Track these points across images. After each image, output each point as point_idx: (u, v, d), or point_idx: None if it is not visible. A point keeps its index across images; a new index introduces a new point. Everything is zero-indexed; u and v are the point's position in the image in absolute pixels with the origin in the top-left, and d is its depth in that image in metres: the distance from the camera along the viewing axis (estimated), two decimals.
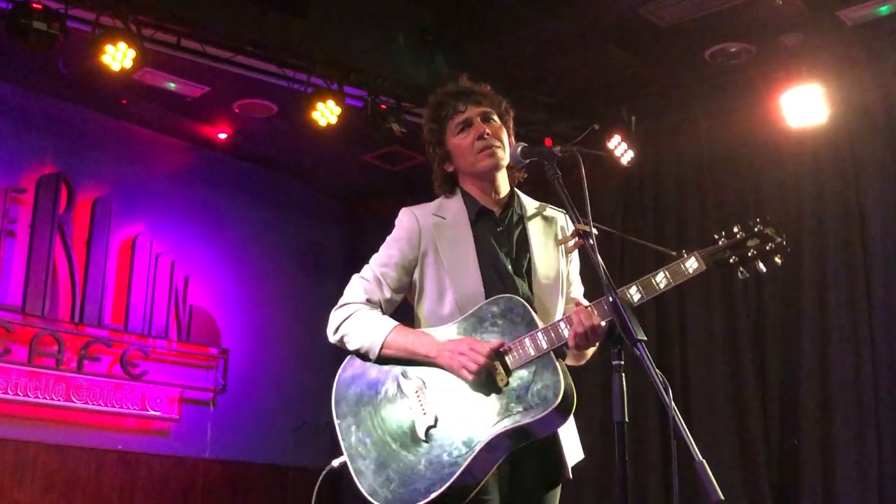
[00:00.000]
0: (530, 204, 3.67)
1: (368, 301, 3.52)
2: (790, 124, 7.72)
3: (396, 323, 3.46)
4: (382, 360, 3.44)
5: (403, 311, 3.61)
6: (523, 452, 3.27)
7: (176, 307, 9.29)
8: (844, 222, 7.63)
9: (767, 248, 3.14)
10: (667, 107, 8.55)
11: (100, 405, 8.50)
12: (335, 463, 3.81)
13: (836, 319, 7.49)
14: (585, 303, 3.27)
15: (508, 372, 3.25)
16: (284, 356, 9.94)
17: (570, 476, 3.40)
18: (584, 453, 3.51)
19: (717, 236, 3.20)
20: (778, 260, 3.11)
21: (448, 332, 3.39)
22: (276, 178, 10.22)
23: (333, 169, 10.00)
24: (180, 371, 9.22)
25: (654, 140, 8.71)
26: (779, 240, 3.15)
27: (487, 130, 3.52)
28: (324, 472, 4.15)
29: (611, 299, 2.95)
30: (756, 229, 3.16)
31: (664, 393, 2.68)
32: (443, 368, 3.33)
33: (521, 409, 3.18)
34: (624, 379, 2.87)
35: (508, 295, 3.35)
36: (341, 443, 3.41)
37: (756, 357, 7.94)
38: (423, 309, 3.53)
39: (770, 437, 7.73)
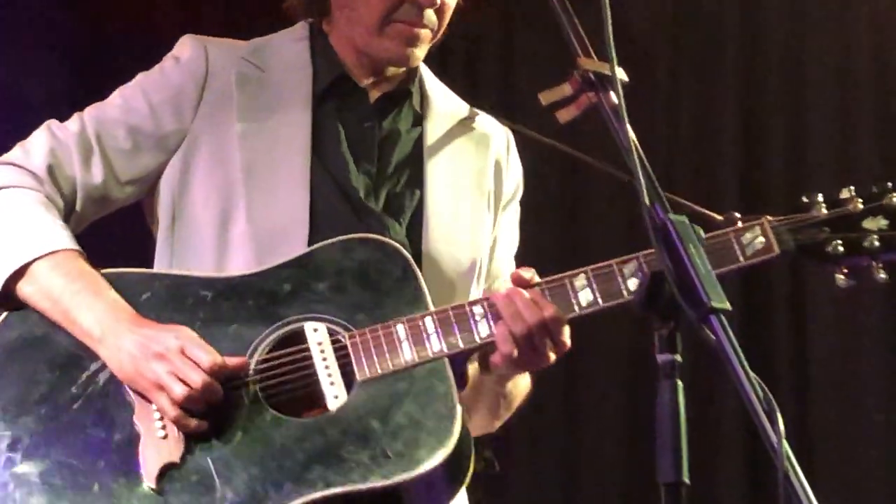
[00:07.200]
0: (443, 95, 2.32)
1: (48, 176, 2.11)
2: None
3: (75, 246, 2.08)
4: (10, 301, 2.04)
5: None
6: None
7: None
8: None
9: None
10: None
11: None
12: None
13: None
14: (534, 277, 2.08)
15: (351, 383, 2.01)
16: None
17: None
18: None
19: (806, 199, 2.03)
20: None
21: (224, 288, 2.07)
22: None
23: None
24: None
25: None
26: None
27: (437, 8, 2.17)
28: None
29: (658, 219, 1.53)
30: (882, 199, 1.99)
31: (765, 420, 1.36)
32: (111, 372, 2.00)
33: (365, 459, 1.93)
34: (681, 391, 1.46)
35: (381, 238, 2.10)
36: None
37: None
38: (175, 236, 2.16)
39: None
